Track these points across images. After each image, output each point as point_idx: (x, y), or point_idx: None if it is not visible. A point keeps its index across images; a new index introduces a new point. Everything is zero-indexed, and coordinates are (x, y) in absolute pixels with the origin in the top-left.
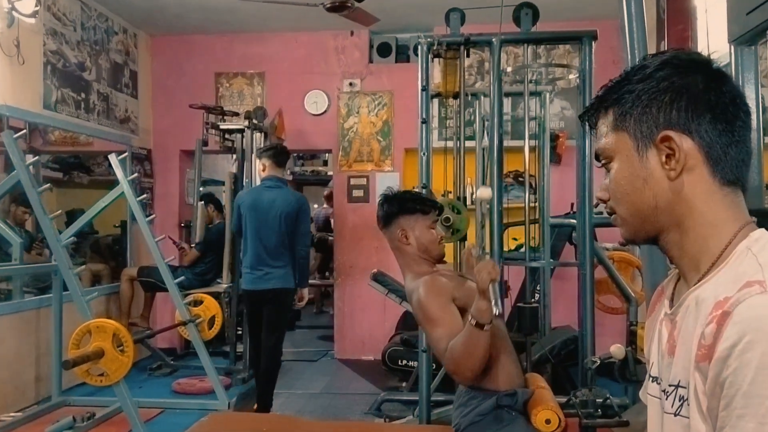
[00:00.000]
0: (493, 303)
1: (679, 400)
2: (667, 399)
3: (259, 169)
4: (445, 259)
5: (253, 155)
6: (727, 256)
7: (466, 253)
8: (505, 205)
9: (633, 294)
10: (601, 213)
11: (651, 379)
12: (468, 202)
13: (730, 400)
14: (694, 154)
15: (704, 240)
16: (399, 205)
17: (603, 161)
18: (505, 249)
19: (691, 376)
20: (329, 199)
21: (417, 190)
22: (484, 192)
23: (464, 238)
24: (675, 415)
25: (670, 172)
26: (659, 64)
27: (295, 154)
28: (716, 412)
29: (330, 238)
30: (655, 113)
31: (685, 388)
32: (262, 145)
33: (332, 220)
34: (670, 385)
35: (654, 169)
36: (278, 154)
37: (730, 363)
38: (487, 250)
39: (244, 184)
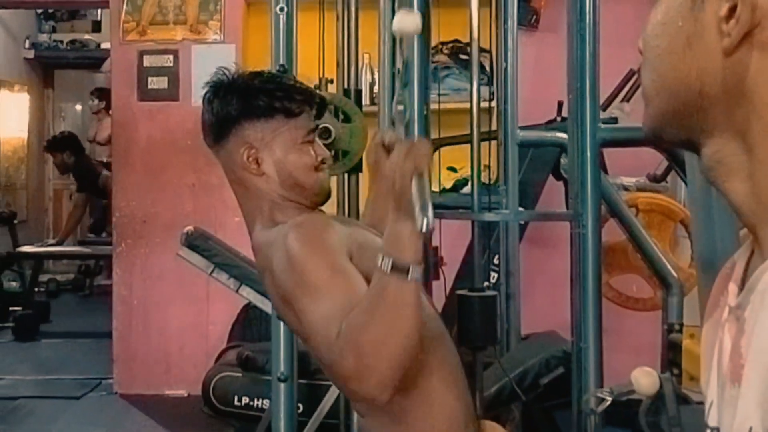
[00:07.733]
0: (417, 209)
1: None
2: None
3: None
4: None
5: None
6: None
7: (373, 147)
8: (434, 105)
9: (674, 272)
10: (616, 120)
11: (708, 429)
12: (364, 98)
13: None
14: None
15: None
16: (243, 101)
17: None
18: (435, 189)
19: None
20: (102, 96)
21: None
22: (406, 19)
23: (357, 168)
24: None
25: (725, 38)
26: None
27: (39, 10)
28: None
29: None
30: None
31: None
32: None
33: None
34: None
35: (707, 28)
36: None
37: None
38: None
39: None
